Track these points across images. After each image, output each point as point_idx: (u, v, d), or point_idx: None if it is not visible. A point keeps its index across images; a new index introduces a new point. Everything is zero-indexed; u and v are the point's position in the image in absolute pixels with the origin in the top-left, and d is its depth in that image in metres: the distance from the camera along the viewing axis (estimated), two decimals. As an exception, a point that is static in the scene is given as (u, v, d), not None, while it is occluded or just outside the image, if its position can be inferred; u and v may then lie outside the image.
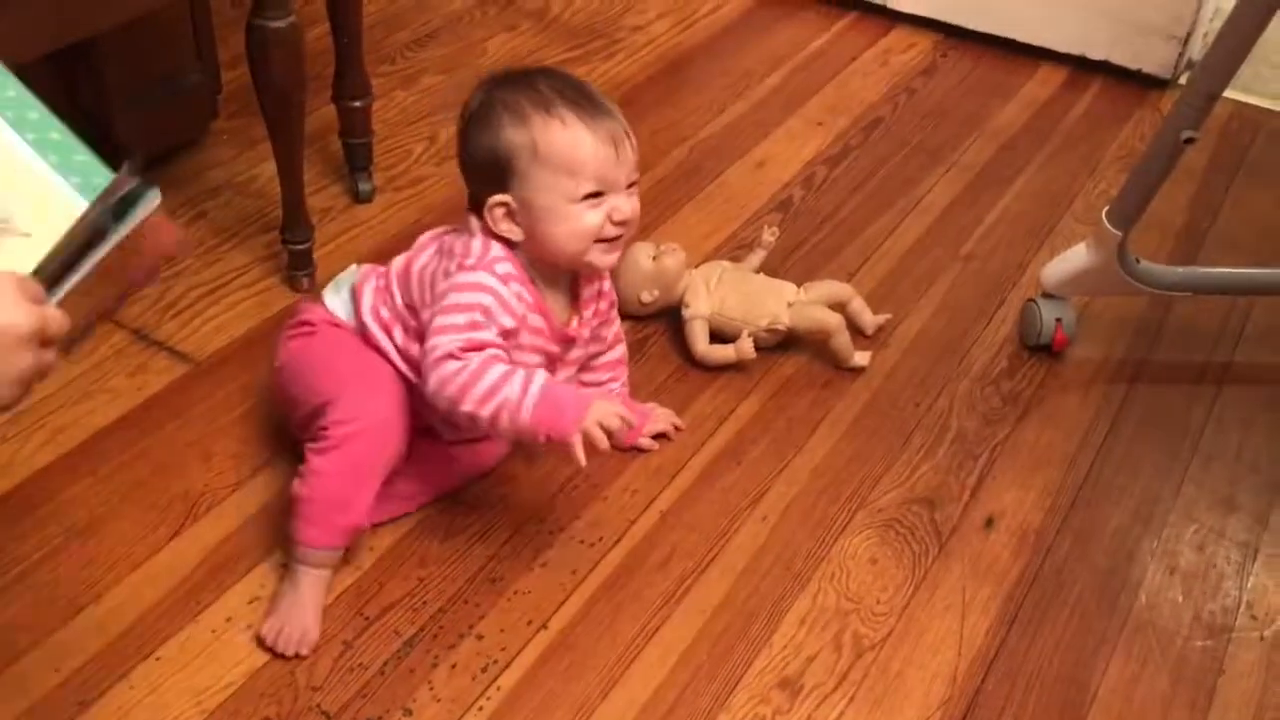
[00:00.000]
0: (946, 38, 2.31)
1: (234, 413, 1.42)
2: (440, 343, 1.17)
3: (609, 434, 1.16)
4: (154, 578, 1.24)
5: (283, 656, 1.17)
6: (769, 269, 1.64)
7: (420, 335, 1.22)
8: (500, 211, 1.20)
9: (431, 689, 1.16)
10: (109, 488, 1.33)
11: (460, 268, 1.20)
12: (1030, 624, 1.28)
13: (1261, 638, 1.29)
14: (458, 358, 1.16)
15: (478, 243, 1.22)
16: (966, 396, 1.54)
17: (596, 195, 1.19)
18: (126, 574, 1.24)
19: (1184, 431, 1.52)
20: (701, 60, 2.23)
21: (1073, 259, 1.57)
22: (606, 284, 1.35)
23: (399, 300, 1.27)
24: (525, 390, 1.15)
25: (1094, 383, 1.58)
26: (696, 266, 1.60)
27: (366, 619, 1.22)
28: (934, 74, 2.22)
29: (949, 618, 1.27)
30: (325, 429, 1.20)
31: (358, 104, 1.73)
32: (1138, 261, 1.54)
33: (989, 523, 1.38)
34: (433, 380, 1.17)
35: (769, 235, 1.64)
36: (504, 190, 1.20)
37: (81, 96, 1.63)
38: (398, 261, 1.29)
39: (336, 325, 1.30)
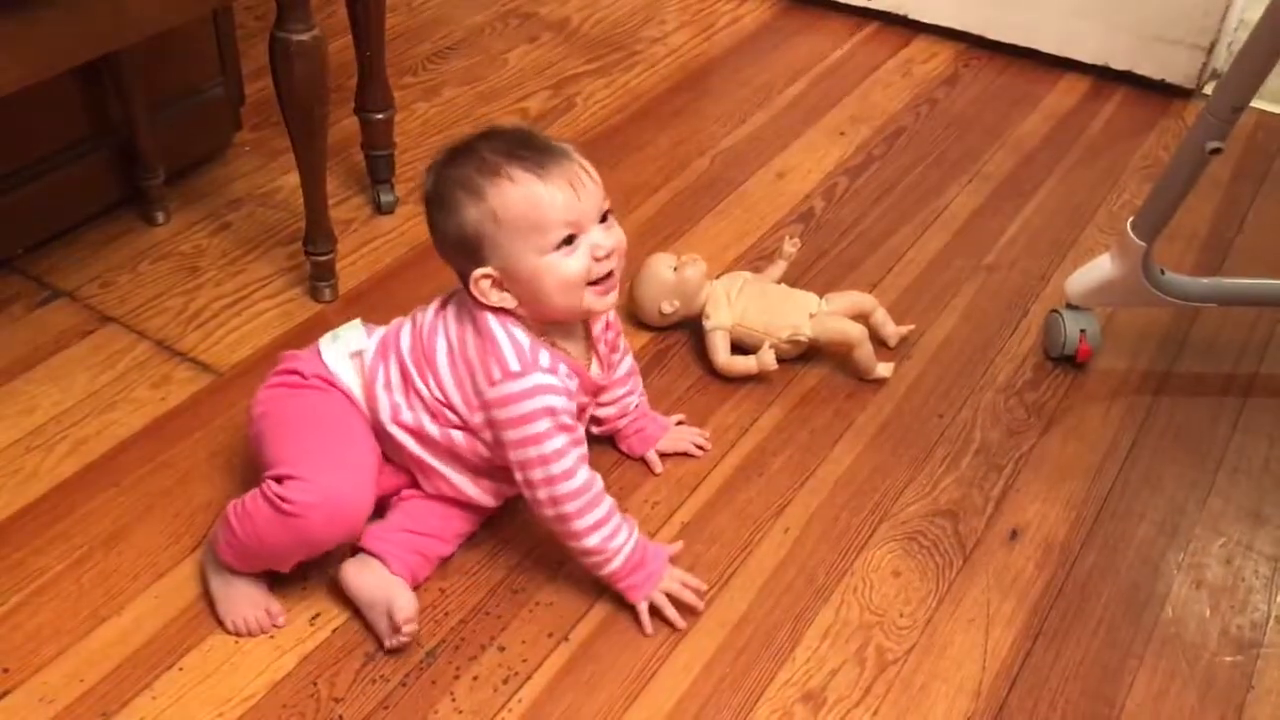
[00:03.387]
0: (969, 48, 2.31)
1: (256, 424, 1.43)
2: (538, 456, 1.18)
3: (675, 603, 1.23)
4: (177, 588, 1.24)
5: (255, 634, 1.20)
6: (790, 280, 1.64)
7: (460, 424, 1.22)
8: (487, 284, 1.18)
9: (453, 700, 1.16)
10: (132, 498, 1.34)
11: (507, 375, 1.18)
12: (1055, 638, 1.27)
13: (1290, 652, 1.28)
14: (571, 476, 1.19)
15: (504, 339, 1.19)
16: (990, 408, 1.53)
17: (569, 240, 1.17)
18: (150, 584, 1.25)
19: (1210, 444, 1.51)
20: (721, 71, 2.23)
21: (1097, 270, 1.56)
22: (612, 314, 1.32)
23: (430, 394, 1.23)
24: (629, 536, 1.22)
25: (1118, 394, 1.57)
26: (717, 277, 1.60)
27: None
28: (956, 84, 2.21)
29: (973, 631, 1.27)
30: (285, 497, 1.14)
31: (380, 116, 1.73)
32: (1162, 272, 1.53)
33: (1013, 535, 1.37)
34: (543, 494, 1.19)
35: (790, 246, 1.64)
36: (483, 263, 1.18)
37: (107, 109, 1.65)
38: (404, 343, 1.24)
39: (328, 383, 1.25)
